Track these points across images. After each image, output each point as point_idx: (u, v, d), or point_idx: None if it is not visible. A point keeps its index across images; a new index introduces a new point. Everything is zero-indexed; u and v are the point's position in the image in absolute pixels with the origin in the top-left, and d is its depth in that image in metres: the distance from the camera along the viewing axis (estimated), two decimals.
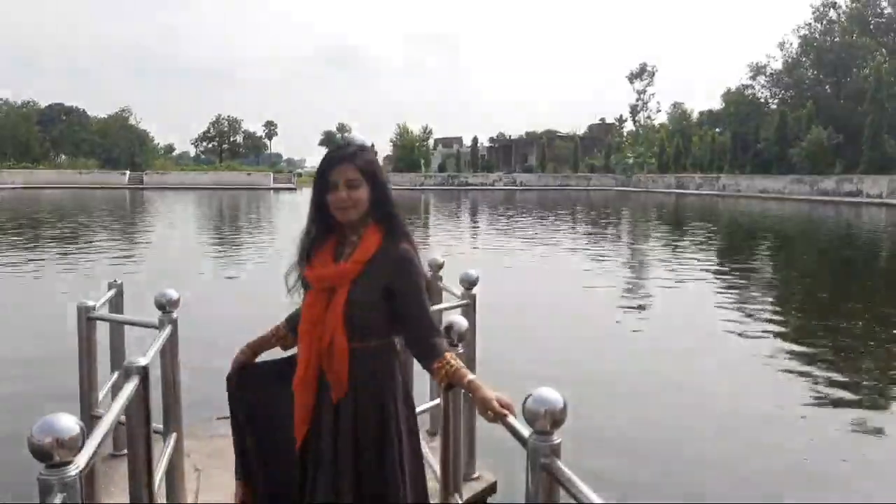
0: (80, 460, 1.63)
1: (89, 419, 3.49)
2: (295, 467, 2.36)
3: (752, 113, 69.90)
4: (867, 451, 5.56)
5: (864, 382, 7.37)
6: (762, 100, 73.94)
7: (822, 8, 69.39)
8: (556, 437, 1.78)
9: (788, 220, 33.01)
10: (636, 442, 5.60)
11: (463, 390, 2.29)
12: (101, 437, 1.91)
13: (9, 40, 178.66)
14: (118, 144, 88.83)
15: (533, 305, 11.10)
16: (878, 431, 5.93)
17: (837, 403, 6.52)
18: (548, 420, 1.78)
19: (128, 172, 70.95)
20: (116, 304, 4.31)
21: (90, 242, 19.77)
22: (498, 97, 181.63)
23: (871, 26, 66.70)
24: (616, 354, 8.22)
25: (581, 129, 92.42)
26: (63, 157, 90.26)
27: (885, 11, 66.96)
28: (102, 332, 4.07)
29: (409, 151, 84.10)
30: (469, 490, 3.88)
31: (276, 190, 64.67)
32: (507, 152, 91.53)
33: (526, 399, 1.81)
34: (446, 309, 3.94)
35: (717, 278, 14.33)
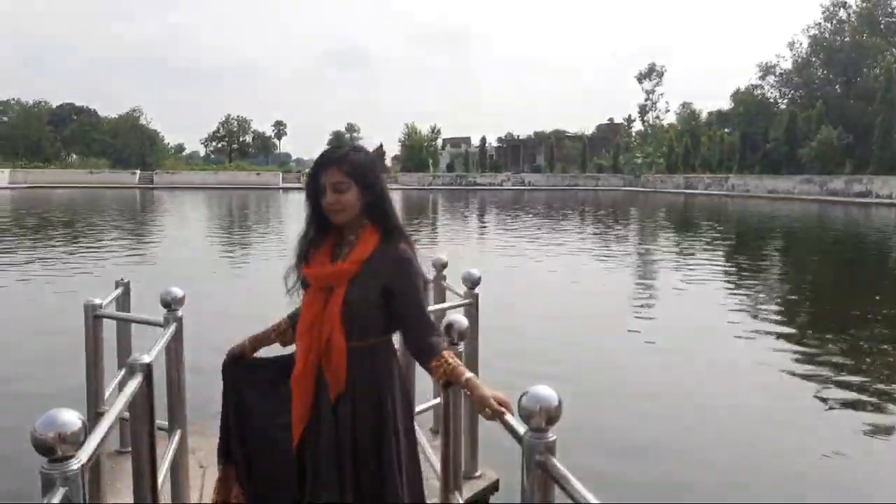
0: (83, 455, 1.66)
1: (95, 416, 3.53)
2: (290, 464, 2.38)
3: (761, 113, 69.66)
4: (879, 455, 5.55)
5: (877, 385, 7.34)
6: (771, 100, 73.70)
7: (832, 7, 69.10)
8: (551, 435, 1.80)
9: (797, 221, 32.86)
10: (638, 444, 5.60)
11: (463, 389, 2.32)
12: (103, 433, 1.94)
13: (21, 40, 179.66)
14: (129, 144, 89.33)
15: (538, 305, 11.11)
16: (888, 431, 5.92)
17: (848, 405, 6.48)
18: (543, 417, 1.80)
19: (138, 172, 71.30)
20: (123, 302, 4.36)
21: (101, 241, 19.88)
22: (506, 97, 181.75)
23: (882, 26, 66.35)
24: (622, 358, 8.20)
25: (589, 130, 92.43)
26: (74, 156, 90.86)
27: None
28: (112, 331, 4.12)
29: (418, 151, 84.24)
30: (471, 489, 3.90)
31: (286, 189, 64.79)
32: (515, 152, 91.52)
33: (521, 397, 1.83)
34: (449, 308, 3.97)
35: (727, 280, 14.30)
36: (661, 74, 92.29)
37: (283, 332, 2.58)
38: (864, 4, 66.90)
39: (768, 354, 8.14)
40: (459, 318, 2.78)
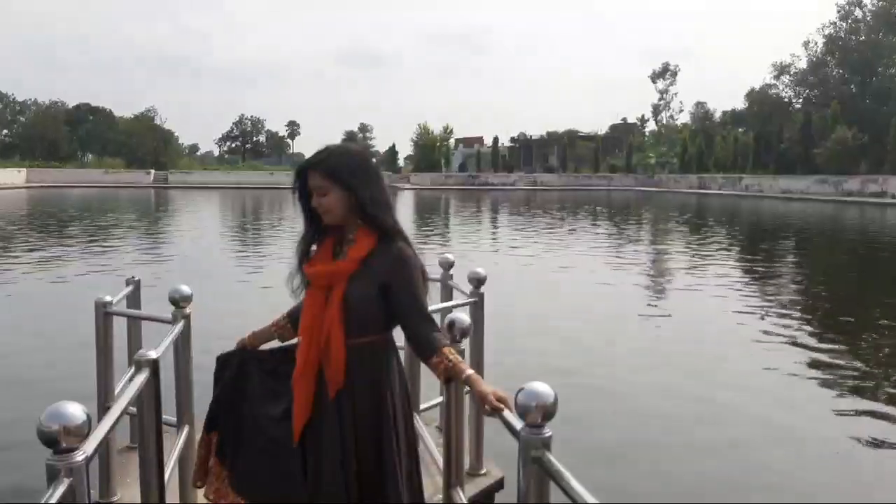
0: (88, 447, 1.70)
1: (104, 411, 3.57)
2: (278, 455, 2.40)
3: (775, 113, 69.30)
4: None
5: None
6: (786, 99, 73.32)
7: (847, 7, 68.64)
8: (548, 431, 1.82)
9: (812, 222, 32.63)
10: (638, 445, 5.61)
11: (464, 385, 2.35)
12: (109, 426, 1.98)
13: (37, 41, 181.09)
14: (144, 144, 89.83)
15: (546, 304, 11.12)
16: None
17: (862, 413, 6.45)
18: (539, 413, 1.82)
19: (153, 172, 71.72)
20: (134, 299, 4.41)
21: (116, 239, 20.06)
22: (519, 97, 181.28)
23: None
24: (633, 361, 8.20)
25: (602, 129, 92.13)
26: (90, 156, 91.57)
27: None
28: (124, 328, 4.18)
29: (430, 151, 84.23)
30: (475, 486, 3.92)
31: None
32: (527, 152, 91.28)
33: (518, 393, 1.86)
34: (455, 307, 3.98)
35: (739, 282, 14.23)
36: (674, 74, 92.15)
37: (282, 327, 2.63)
38: (881, 3, 66.38)
39: (779, 358, 8.10)
40: (461, 317, 2.81)
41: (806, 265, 18.20)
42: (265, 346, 2.66)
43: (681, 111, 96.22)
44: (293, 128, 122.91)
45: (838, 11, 69.21)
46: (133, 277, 4.43)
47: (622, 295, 12.30)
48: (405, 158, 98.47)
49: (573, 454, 4.76)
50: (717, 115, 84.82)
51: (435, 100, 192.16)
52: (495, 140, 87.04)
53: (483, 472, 4.09)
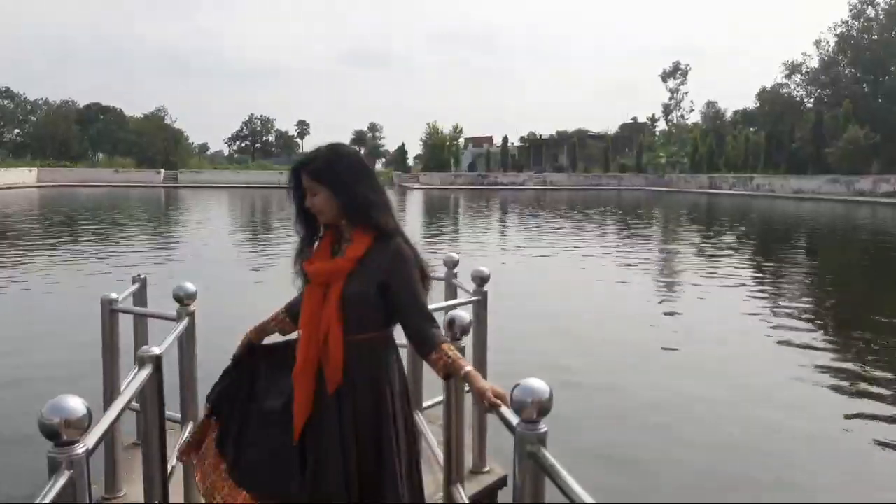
0: (89, 440, 1.73)
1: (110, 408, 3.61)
2: (289, 453, 2.42)
3: (787, 112, 68.91)
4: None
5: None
6: (798, 99, 72.88)
7: (859, 5, 68.12)
8: (543, 426, 1.83)
9: (824, 221, 32.46)
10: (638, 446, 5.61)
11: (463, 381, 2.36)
12: (111, 420, 2.01)
13: (48, 40, 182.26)
14: (154, 143, 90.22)
15: (553, 304, 11.13)
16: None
17: (872, 417, 6.41)
18: (534, 409, 1.83)
19: (163, 171, 72.00)
20: (140, 297, 4.45)
21: (126, 238, 20.18)
22: (529, 96, 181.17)
23: None
24: (639, 361, 8.19)
25: (613, 129, 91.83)
26: (101, 155, 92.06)
27: None
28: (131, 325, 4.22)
29: (440, 151, 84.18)
30: (478, 484, 3.94)
31: None
32: (537, 151, 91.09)
33: (513, 389, 1.87)
34: (458, 305, 4.00)
35: (750, 284, 14.18)
36: (685, 73, 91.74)
37: (281, 322, 2.66)
38: (893, 2, 65.88)
39: (791, 359, 8.07)
40: (461, 314, 2.83)
41: (817, 265, 18.10)
42: (267, 340, 2.69)
43: (692, 110, 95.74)
44: (303, 127, 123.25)
45: (850, 10, 68.79)
46: (139, 275, 4.48)
47: (631, 295, 12.29)
48: (415, 158, 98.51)
49: (573, 452, 4.78)
50: (728, 114, 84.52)
51: (445, 99, 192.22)
52: (505, 139, 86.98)
53: (486, 469, 4.10)
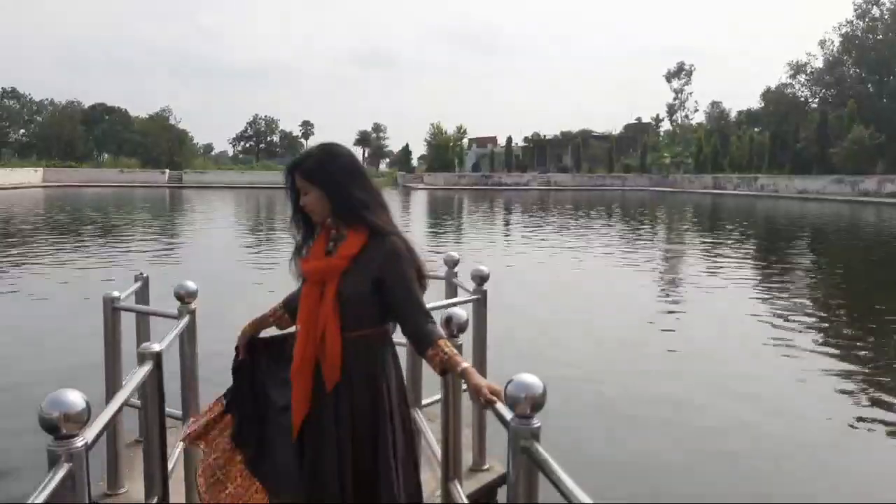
0: (88, 434, 1.76)
1: None
2: (289, 449, 2.46)
3: (791, 112, 68.77)
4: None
5: None
6: (802, 99, 72.73)
7: (864, 5, 67.99)
8: (536, 421, 1.85)
9: (829, 221, 32.39)
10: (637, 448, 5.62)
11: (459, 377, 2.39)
12: (110, 414, 2.04)
13: (54, 41, 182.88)
14: (159, 144, 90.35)
15: (556, 303, 11.14)
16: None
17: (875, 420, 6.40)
18: (528, 404, 1.85)
19: (167, 171, 72.15)
20: (143, 295, 4.48)
21: (130, 237, 20.24)
22: (533, 97, 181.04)
23: None
24: (640, 361, 8.20)
25: (617, 129, 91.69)
26: (106, 156, 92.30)
27: None
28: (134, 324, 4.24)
29: (444, 151, 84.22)
30: (478, 481, 3.96)
31: None
32: (541, 152, 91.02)
33: (507, 384, 1.89)
34: (458, 304, 4.02)
35: (754, 285, 14.18)
36: (689, 73, 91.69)
37: (279, 317, 2.69)
38: None
39: (794, 361, 8.06)
40: (458, 312, 2.85)
41: (820, 266, 18.06)
42: (264, 333, 2.74)
43: (696, 111, 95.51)
44: (307, 128, 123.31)
45: (855, 10, 68.65)
46: (141, 273, 4.51)
47: (634, 295, 12.29)
48: (419, 158, 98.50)
49: (573, 450, 4.79)
50: (733, 114, 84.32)
51: (448, 100, 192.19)
52: (509, 140, 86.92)
53: (486, 467, 4.13)
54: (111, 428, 3.59)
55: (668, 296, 12.39)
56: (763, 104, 74.89)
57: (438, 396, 4.32)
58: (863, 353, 8.50)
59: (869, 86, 67.10)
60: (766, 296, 12.22)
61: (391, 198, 48.66)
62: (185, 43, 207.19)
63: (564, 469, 1.69)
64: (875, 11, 67.93)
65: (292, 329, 2.57)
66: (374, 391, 2.39)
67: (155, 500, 2.70)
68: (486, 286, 4.11)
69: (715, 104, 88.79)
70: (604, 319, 10.11)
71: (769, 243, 22.90)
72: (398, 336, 2.49)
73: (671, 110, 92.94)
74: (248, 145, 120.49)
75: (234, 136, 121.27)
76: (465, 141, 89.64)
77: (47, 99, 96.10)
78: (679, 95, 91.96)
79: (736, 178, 64.75)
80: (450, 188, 69.70)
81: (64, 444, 1.68)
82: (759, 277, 14.64)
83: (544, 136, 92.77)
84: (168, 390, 2.81)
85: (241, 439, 2.62)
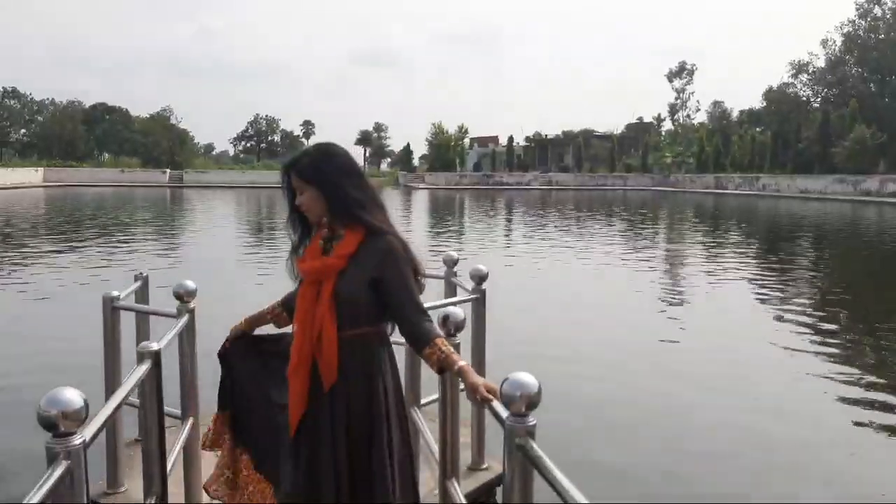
0: (86, 432, 1.77)
1: None
2: (288, 448, 2.49)
3: (793, 112, 68.74)
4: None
5: None
6: (804, 98, 72.68)
7: (866, 4, 67.93)
8: (532, 419, 1.86)
9: (831, 221, 32.36)
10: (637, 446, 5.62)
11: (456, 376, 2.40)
12: (108, 413, 2.05)
13: (54, 41, 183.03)
14: (160, 144, 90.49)
15: (557, 302, 11.15)
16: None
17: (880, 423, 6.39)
18: (523, 402, 1.86)
19: (168, 171, 72.24)
20: (142, 294, 4.49)
21: (131, 237, 20.27)
22: (535, 97, 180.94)
23: None
24: (640, 361, 8.20)
25: (618, 129, 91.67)
26: (106, 155, 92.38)
27: None
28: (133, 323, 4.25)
29: (445, 151, 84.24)
30: (476, 480, 3.97)
31: None
32: (543, 152, 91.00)
33: (503, 383, 1.90)
34: (457, 303, 4.03)
35: (756, 282, 14.17)
36: (691, 73, 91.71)
37: (277, 315, 2.72)
38: None
39: (792, 363, 8.05)
40: (455, 311, 2.86)
41: (822, 266, 18.06)
42: (259, 331, 2.78)
43: (698, 110, 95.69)
44: (308, 127, 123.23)
45: (857, 9, 68.58)
46: (141, 273, 4.52)
47: (635, 294, 12.30)
48: (420, 158, 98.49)
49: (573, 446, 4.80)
50: (735, 114, 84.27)
51: (450, 99, 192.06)
52: (510, 139, 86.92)
53: (484, 466, 4.14)
54: (110, 427, 3.61)
55: (669, 295, 12.39)
56: (765, 104, 74.85)
57: (437, 396, 4.35)
58: (867, 350, 8.50)
59: (871, 85, 67.04)
60: (768, 295, 12.21)
61: (392, 197, 48.91)
62: (186, 42, 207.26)
63: (559, 467, 1.71)
64: (877, 11, 67.91)
65: (289, 329, 2.59)
66: (370, 390, 2.40)
67: (154, 500, 2.71)
68: (484, 285, 4.12)
69: (717, 104, 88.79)
70: (605, 319, 10.12)
71: (771, 243, 22.88)
72: (397, 335, 2.51)
73: (673, 110, 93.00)
74: (249, 145, 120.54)
75: (235, 135, 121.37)
76: (467, 140, 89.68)
77: (48, 98, 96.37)
78: (681, 95, 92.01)
79: (738, 177, 64.75)
80: (451, 188, 69.73)
81: (62, 442, 1.69)
82: (760, 277, 14.62)
83: (546, 135, 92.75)
84: (167, 390, 2.82)
85: (241, 437, 2.70)
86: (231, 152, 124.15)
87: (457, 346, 2.72)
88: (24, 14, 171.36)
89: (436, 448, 3.81)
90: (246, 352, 2.73)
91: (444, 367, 2.33)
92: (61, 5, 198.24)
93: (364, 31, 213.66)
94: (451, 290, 4.65)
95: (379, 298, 2.38)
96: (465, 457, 4.05)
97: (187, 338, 3.49)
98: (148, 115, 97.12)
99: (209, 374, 3.78)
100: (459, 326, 2.80)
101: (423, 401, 3.82)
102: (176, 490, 3.33)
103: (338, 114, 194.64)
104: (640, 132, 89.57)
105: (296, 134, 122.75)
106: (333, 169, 2.42)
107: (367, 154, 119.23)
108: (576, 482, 1.61)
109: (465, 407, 3.42)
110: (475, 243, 20.31)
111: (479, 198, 51.56)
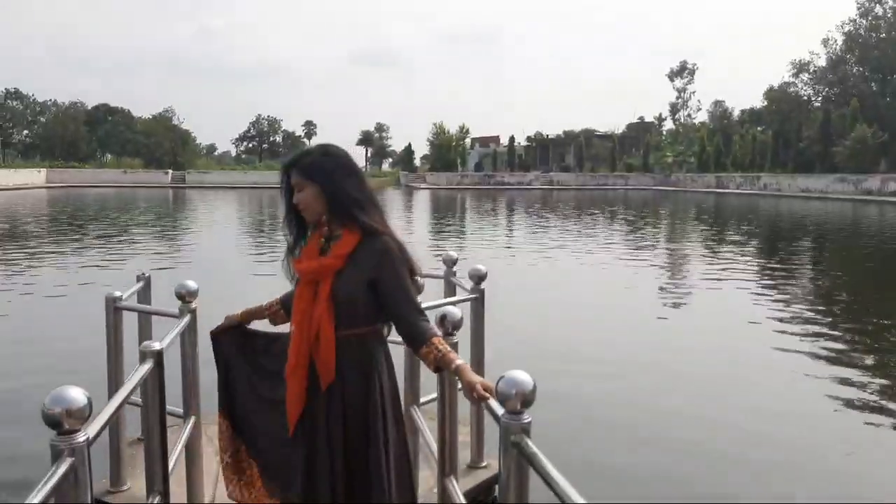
0: (90, 430, 1.80)
1: None
2: (280, 433, 2.53)
3: (794, 111, 68.72)
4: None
5: None
6: (805, 98, 72.61)
7: (867, 3, 67.87)
8: (527, 417, 1.89)
9: (833, 220, 32.34)
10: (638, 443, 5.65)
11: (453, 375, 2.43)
12: (112, 411, 2.08)
13: (57, 42, 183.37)
14: (162, 144, 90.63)
15: (557, 301, 11.17)
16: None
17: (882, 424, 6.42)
18: (518, 400, 1.89)
19: (170, 172, 72.34)
20: (144, 295, 4.53)
21: (134, 237, 20.32)
22: (536, 96, 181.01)
23: None
24: (639, 360, 8.22)
25: (620, 128, 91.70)
26: (109, 156, 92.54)
27: None
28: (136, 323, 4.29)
29: (446, 151, 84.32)
30: (475, 479, 4.00)
31: None
32: (544, 151, 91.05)
33: (498, 381, 1.94)
34: (456, 302, 4.06)
35: (757, 282, 14.18)
36: (692, 72, 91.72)
37: (275, 312, 2.75)
38: None
39: (791, 364, 8.05)
40: (453, 310, 2.89)
41: (823, 265, 18.06)
42: (252, 326, 2.83)
43: (699, 110, 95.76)
44: (310, 128, 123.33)
45: (858, 8, 68.53)
46: (143, 273, 4.55)
47: (636, 294, 12.31)
48: (421, 158, 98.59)
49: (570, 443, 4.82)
50: (736, 113, 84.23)
51: (451, 99, 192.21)
52: (511, 139, 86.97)
53: (483, 464, 4.16)
54: (113, 426, 3.65)
55: (669, 295, 12.41)
56: (766, 103, 74.80)
57: (436, 395, 4.38)
58: (869, 351, 8.52)
59: (872, 84, 66.98)
60: (769, 295, 12.21)
61: (394, 198, 48.86)
62: (187, 43, 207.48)
63: (554, 464, 1.74)
64: (878, 10, 67.85)
65: (284, 328, 2.63)
66: (367, 390, 2.42)
67: (156, 498, 2.74)
68: (483, 285, 4.14)
69: (718, 103, 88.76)
70: (605, 319, 10.14)
71: (772, 243, 22.88)
72: (395, 335, 2.53)
73: (674, 109, 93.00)
74: (250, 145, 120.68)
75: (237, 136, 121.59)
76: (468, 140, 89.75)
77: (50, 100, 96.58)
78: (682, 94, 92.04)
79: (739, 177, 64.75)
80: (452, 188, 69.76)
81: (66, 439, 1.72)
82: (760, 277, 14.64)
83: (547, 135, 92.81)
84: (169, 389, 2.86)
85: (243, 436, 2.75)
86: (233, 153, 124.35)
87: (454, 345, 2.75)
88: (26, 15, 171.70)
89: (435, 447, 3.84)
90: (243, 346, 2.77)
91: (441, 366, 2.35)
92: (62, 6, 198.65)
93: (365, 32, 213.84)
94: (450, 289, 4.69)
95: (376, 299, 2.40)
96: (465, 455, 4.08)
97: (189, 338, 3.52)
98: (150, 116, 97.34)
99: (211, 374, 3.82)
100: (457, 325, 2.83)
101: (422, 400, 3.85)
102: (178, 489, 3.37)
103: (339, 114, 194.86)
104: (641, 132, 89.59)
105: (297, 134, 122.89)
106: (336, 168, 2.45)
107: (369, 154, 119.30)
108: (574, 481, 1.63)
109: (465, 406, 3.45)
110: (475, 243, 20.33)
111: (480, 198, 51.57)
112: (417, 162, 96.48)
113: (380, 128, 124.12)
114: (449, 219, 32.75)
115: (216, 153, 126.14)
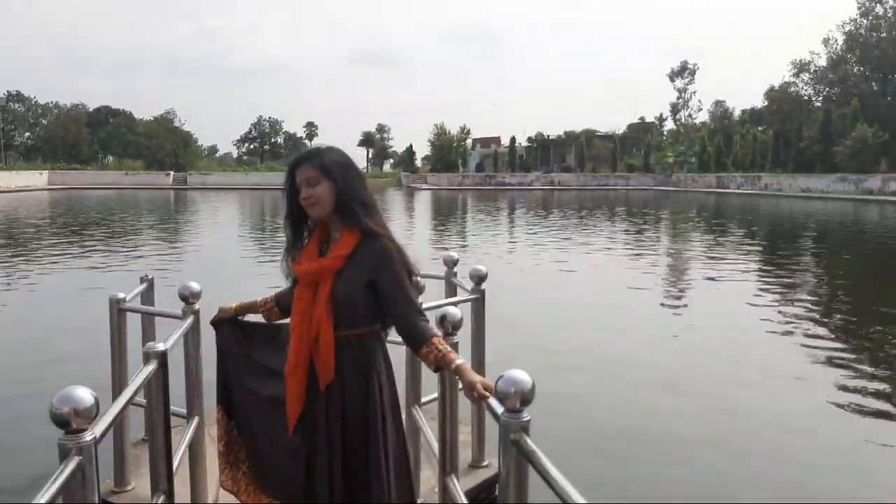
0: (97, 429, 1.83)
1: None
2: (286, 445, 2.55)
3: (795, 111, 68.72)
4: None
5: None
6: (806, 97, 72.61)
7: (868, 3, 67.88)
8: (526, 415, 1.92)
9: (834, 220, 32.34)
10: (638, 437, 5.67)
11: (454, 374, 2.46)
12: (117, 411, 2.11)
13: (59, 44, 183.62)
14: (163, 146, 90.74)
15: (557, 301, 11.19)
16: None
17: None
18: (517, 399, 1.92)
19: (172, 173, 72.45)
20: (148, 296, 4.56)
21: (136, 239, 20.35)
22: (537, 97, 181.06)
23: None
24: (639, 361, 8.24)
25: (620, 129, 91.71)
26: (111, 158, 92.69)
27: None
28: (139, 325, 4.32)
29: (447, 151, 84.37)
30: (476, 478, 4.02)
31: None
32: (545, 152, 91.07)
33: (498, 380, 1.96)
34: (456, 303, 4.08)
35: (757, 282, 14.19)
36: (693, 73, 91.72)
37: (269, 309, 2.78)
38: None
39: (795, 360, 8.10)
40: (452, 310, 2.91)
41: (824, 265, 18.06)
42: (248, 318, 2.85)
43: (699, 110, 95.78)
44: (311, 129, 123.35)
45: (859, 8, 68.54)
46: (146, 275, 4.59)
47: (637, 294, 12.32)
48: (422, 159, 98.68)
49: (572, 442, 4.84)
50: (736, 113, 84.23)
51: (452, 100, 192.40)
52: (512, 140, 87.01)
53: (485, 464, 4.19)
54: (118, 426, 3.68)
55: (670, 295, 12.43)
56: (766, 103, 74.80)
57: (437, 394, 4.41)
58: (869, 350, 8.54)
59: (873, 84, 66.97)
60: (769, 295, 12.22)
61: (395, 199, 48.85)
62: (188, 45, 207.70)
63: (553, 462, 1.76)
64: (879, 9, 67.84)
65: (283, 322, 2.68)
66: (366, 390, 2.45)
67: (161, 498, 2.77)
68: (484, 286, 4.17)
69: (718, 103, 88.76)
70: (605, 319, 10.16)
71: (773, 242, 22.87)
72: (395, 335, 2.56)
73: (675, 109, 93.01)
74: (252, 147, 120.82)
75: (239, 137, 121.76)
76: (469, 141, 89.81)
77: (52, 102, 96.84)
78: (682, 95, 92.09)
79: (739, 177, 64.73)
80: (453, 188, 69.78)
81: (74, 438, 1.75)
82: (761, 277, 14.65)
83: (548, 135, 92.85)
84: (173, 390, 2.89)
85: (239, 430, 2.80)
86: (234, 154, 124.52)
87: (455, 345, 2.78)
88: (27, 17, 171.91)
89: (436, 446, 3.87)
90: (243, 338, 2.79)
91: (441, 366, 2.38)
92: (62, 7, 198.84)
93: (366, 33, 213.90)
94: (451, 290, 4.71)
95: (375, 299, 2.43)
96: (466, 455, 4.11)
97: (192, 338, 3.55)
98: (151, 118, 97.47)
99: (214, 374, 3.85)
100: (457, 325, 2.86)
101: (423, 399, 3.88)
102: (182, 489, 3.40)
103: (340, 114, 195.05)
104: (641, 132, 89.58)
105: (299, 136, 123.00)
106: (348, 167, 2.49)
107: (370, 155, 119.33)
108: (573, 479, 1.65)
109: (466, 406, 3.48)
110: (476, 243, 20.35)
111: (481, 198, 51.58)
112: (419, 163, 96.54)
113: (381, 129, 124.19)
114: (450, 220, 32.77)
115: (217, 154, 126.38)
